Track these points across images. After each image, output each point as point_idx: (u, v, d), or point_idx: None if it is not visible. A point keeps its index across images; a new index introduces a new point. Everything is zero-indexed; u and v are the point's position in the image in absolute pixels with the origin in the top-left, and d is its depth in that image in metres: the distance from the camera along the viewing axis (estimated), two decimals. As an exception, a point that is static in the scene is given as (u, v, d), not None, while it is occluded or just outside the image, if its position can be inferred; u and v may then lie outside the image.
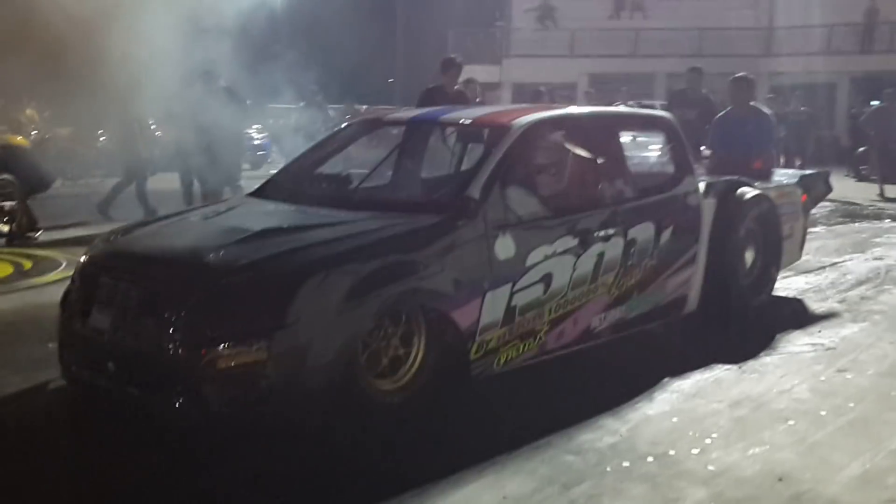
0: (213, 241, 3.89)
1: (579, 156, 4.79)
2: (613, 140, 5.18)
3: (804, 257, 7.69)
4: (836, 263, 7.87)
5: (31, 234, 9.00)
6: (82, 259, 4.30)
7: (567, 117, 5.09)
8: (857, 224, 10.72)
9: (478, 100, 10.39)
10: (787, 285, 6.76)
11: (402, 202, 4.59)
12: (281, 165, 17.10)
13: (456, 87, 9.09)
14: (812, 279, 7.15)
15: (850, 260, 8.06)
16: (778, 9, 25.83)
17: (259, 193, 4.94)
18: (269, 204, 4.67)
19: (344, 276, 3.69)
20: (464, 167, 5.13)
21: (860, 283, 7.01)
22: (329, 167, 5.16)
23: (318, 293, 3.58)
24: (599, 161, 4.86)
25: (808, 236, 8.93)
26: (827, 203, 11.94)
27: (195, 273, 3.66)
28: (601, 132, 5.10)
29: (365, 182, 4.95)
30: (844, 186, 14.30)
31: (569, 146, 4.82)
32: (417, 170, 5.31)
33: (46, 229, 9.23)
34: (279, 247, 3.77)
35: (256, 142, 19.19)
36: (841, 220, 11.02)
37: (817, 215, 11.01)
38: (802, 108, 15.33)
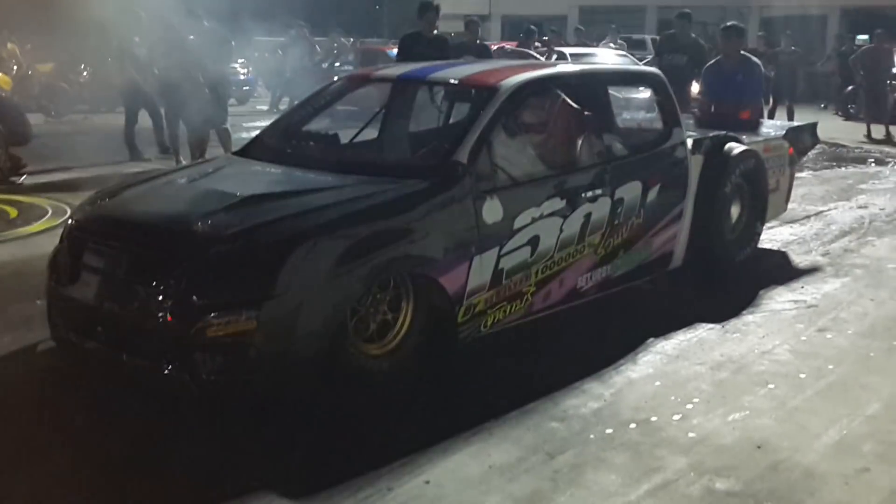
0: (200, 208, 3.88)
1: (567, 116, 4.76)
2: (602, 98, 5.16)
3: (790, 206, 7.76)
4: (821, 212, 7.94)
5: (15, 179, 8.92)
6: (69, 221, 4.29)
7: (556, 76, 5.04)
8: (842, 169, 10.75)
9: (478, 41, 10.29)
10: (772, 236, 6.83)
11: (390, 166, 4.57)
12: (266, 100, 17.00)
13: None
14: (797, 230, 7.21)
15: (834, 209, 8.12)
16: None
17: (246, 153, 4.90)
18: (256, 165, 4.64)
19: (333, 243, 3.70)
20: (452, 129, 5.09)
21: (844, 233, 7.08)
22: (316, 125, 5.11)
23: (307, 262, 3.60)
24: (588, 121, 4.83)
25: (795, 182, 9.01)
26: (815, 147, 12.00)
27: (184, 241, 3.67)
28: (590, 91, 5.07)
29: (353, 142, 4.91)
30: (832, 126, 14.32)
31: (558, 106, 4.78)
32: (405, 130, 5.28)
33: (30, 173, 9.15)
34: (267, 214, 3.77)
35: (241, 77, 18.91)
36: (827, 163, 11.05)
37: (804, 159, 11.04)
38: (793, 48, 15.18)
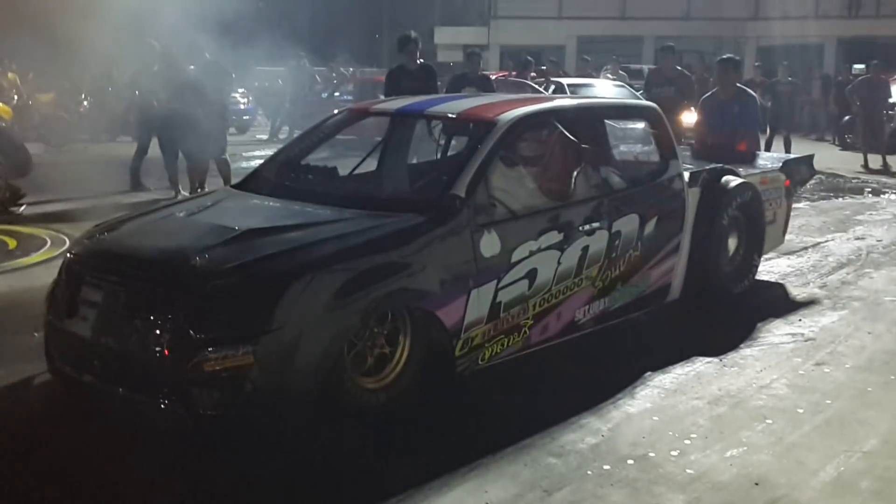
0: (198, 242, 3.88)
1: (565, 150, 4.79)
2: (599, 131, 5.21)
3: (788, 237, 7.77)
4: (818, 244, 7.95)
5: (14, 209, 8.94)
6: (67, 255, 4.29)
7: (553, 110, 5.08)
8: (840, 199, 10.79)
9: (480, 73, 10.40)
10: (769, 268, 6.83)
11: (388, 199, 4.59)
12: (265, 129, 17.07)
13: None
14: (794, 261, 7.22)
15: (832, 240, 8.14)
16: (767, -28, 25.69)
17: (244, 186, 4.92)
18: (255, 198, 4.66)
19: (330, 278, 3.71)
20: (449, 162, 5.12)
21: (841, 265, 7.09)
22: (315, 158, 5.13)
23: (303, 296, 3.60)
24: (585, 154, 4.86)
25: (792, 213, 9.03)
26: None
27: (181, 276, 3.67)
28: (586, 124, 5.12)
29: (351, 175, 4.94)
30: (829, 156, 14.40)
31: (555, 139, 4.81)
32: (403, 164, 5.31)
33: (30, 204, 9.16)
34: (264, 249, 3.78)
35: (241, 106, 19.03)
36: (824, 194, 11.08)
37: (802, 190, 11.09)
38: (790, 78, 15.31)
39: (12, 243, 7.60)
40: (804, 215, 9.34)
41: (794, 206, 9.66)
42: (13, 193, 9.08)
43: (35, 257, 7.10)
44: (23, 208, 9.01)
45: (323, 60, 22.23)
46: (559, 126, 4.81)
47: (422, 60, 9.37)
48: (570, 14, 27.12)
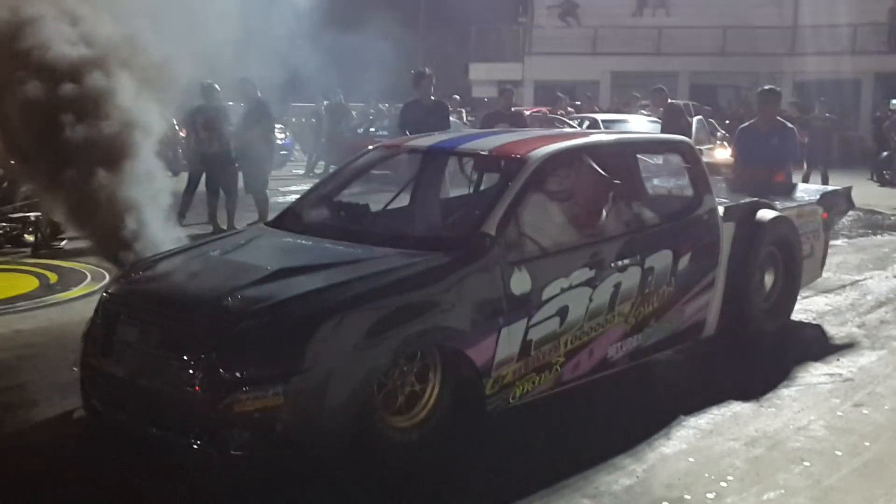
0: (230, 282, 3.93)
1: (596, 186, 4.79)
2: (631, 166, 5.18)
3: (825, 274, 7.66)
4: (856, 282, 7.83)
5: (55, 244, 9.11)
6: (104, 294, 4.36)
7: (584, 146, 5.07)
8: (878, 237, 10.63)
9: (513, 109, 10.53)
10: (806, 306, 6.74)
11: (419, 238, 4.61)
12: (302, 164, 17.28)
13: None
14: (832, 299, 7.11)
15: (870, 278, 8.01)
16: (802, 7, 25.58)
17: (277, 223, 4.98)
18: (287, 237, 4.70)
19: (360, 318, 3.72)
20: (480, 200, 5.14)
21: (880, 304, 6.97)
22: (347, 195, 5.18)
23: (333, 336, 3.62)
24: (617, 190, 4.85)
25: (830, 250, 8.90)
26: (850, 211, 11.90)
27: (213, 317, 3.71)
28: (619, 159, 5.10)
29: (382, 213, 4.98)
30: (867, 192, 14.19)
31: (587, 176, 4.81)
32: (434, 201, 5.34)
33: (71, 239, 9.32)
34: (295, 289, 3.80)
35: (278, 141, 19.28)
36: (863, 231, 10.94)
37: (839, 226, 10.96)
38: (827, 115, 15.18)
39: (53, 277, 7.74)
40: (842, 252, 9.21)
41: (832, 243, 9.58)
42: (54, 229, 9.25)
43: (75, 291, 7.21)
44: (63, 243, 9.17)
45: (359, 96, 22.48)
46: (590, 162, 4.81)
47: (434, 98, 9.62)
48: (605, 50, 27.19)
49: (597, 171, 4.79)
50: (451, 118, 17.50)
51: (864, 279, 7.95)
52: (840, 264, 8.52)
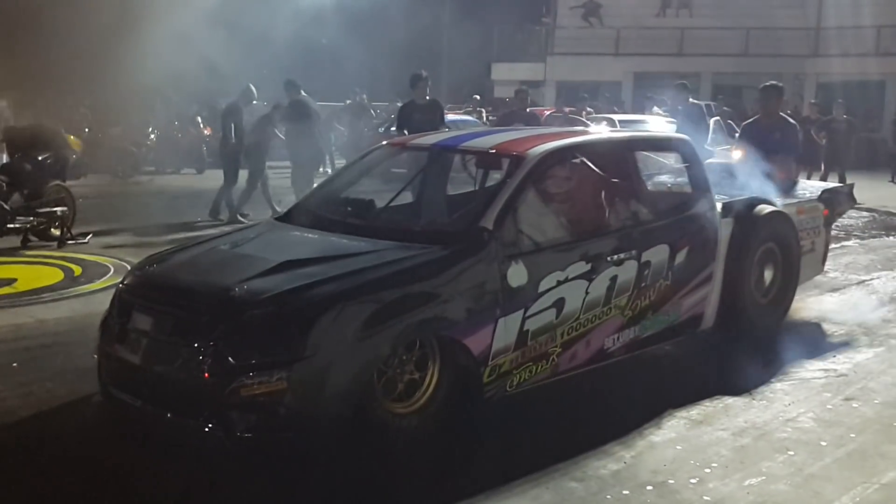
0: (238, 274, 4.13)
1: (593, 183, 4.94)
2: (630, 164, 5.32)
3: (832, 274, 7.78)
4: (863, 281, 7.90)
5: (80, 238, 9.39)
6: (119, 285, 4.58)
7: (582, 144, 5.23)
8: (891, 238, 10.66)
9: (528, 110, 10.77)
10: (809, 304, 6.84)
11: (420, 231, 4.79)
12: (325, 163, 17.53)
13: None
14: (836, 298, 7.21)
15: (877, 278, 8.07)
16: (826, 9, 25.47)
17: (286, 218, 5.19)
18: (295, 231, 4.91)
19: (360, 308, 3.91)
20: (479, 195, 5.31)
21: (883, 304, 7.05)
22: (353, 191, 5.38)
23: (335, 325, 3.81)
24: (614, 186, 5.00)
25: (840, 250, 9.01)
26: (865, 213, 11.97)
27: (222, 306, 3.91)
28: (617, 157, 5.26)
29: (387, 207, 5.17)
30: (886, 194, 14.21)
31: (583, 173, 4.97)
32: (436, 196, 5.51)
33: (95, 234, 9.61)
34: (299, 280, 3.99)
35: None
36: (876, 232, 10.98)
37: (852, 227, 11.04)
38: (844, 116, 15.18)
39: (77, 270, 8.00)
40: (852, 253, 9.28)
41: (844, 243, 9.67)
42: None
43: (98, 284, 7.46)
44: (89, 237, 9.45)
45: (383, 96, 22.73)
46: (587, 159, 4.97)
47: (429, 97, 10.11)
48: (627, 50, 27.23)
49: (593, 168, 4.95)
50: (470, 117, 17.82)
51: (871, 279, 8.02)
52: (849, 264, 8.60)
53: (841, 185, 7.28)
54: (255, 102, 11.84)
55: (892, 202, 13.48)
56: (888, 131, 18.64)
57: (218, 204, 11.21)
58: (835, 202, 6.79)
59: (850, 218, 11.84)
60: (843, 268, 8.26)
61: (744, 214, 5.74)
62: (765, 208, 5.87)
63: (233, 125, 11.24)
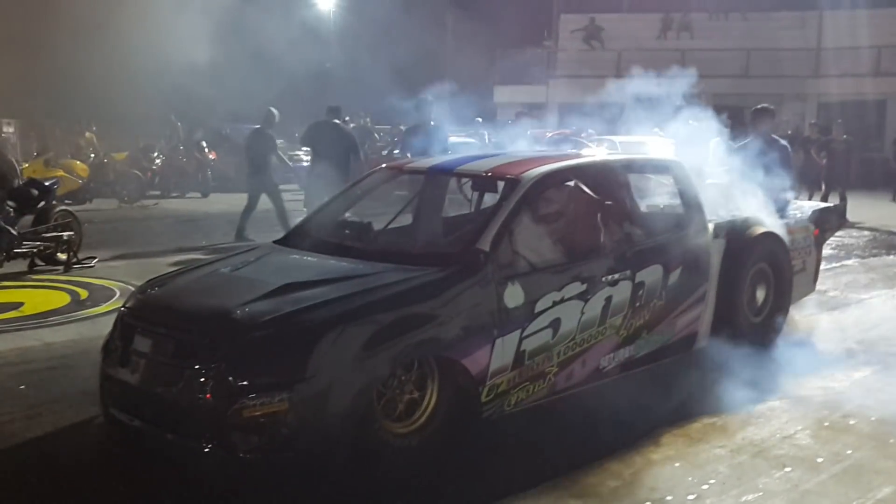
0: (239, 297, 4.20)
1: (587, 205, 5.02)
2: (623, 186, 5.40)
3: (832, 293, 7.83)
4: (862, 300, 7.95)
5: (86, 262, 9.48)
6: (121, 308, 4.65)
7: (576, 167, 5.31)
8: (891, 257, 10.71)
9: (528, 132, 10.89)
10: (810, 323, 6.88)
11: (418, 254, 4.87)
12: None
13: None
14: (836, 316, 7.26)
15: (877, 297, 8.13)
16: (826, 30, 25.63)
17: (286, 241, 5.27)
18: (294, 254, 4.98)
19: (360, 329, 3.97)
20: (475, 218, 5.39)
21: (882, 322, 7.09)
22: (351, 214, 5.46)
23: (335, 347, 3.88)
24: (608, 208, 5.08)
25: (840, 269, 9.06)
26: (866, 232, 12.03)
27: (224, 328, 3.98)
28: (610, 179, 5.34)
29: (384, 230, 5.24)
30: (887, 213, 14.26)
31: (578, 195, 5.05)
32: (433, 219, 5.60)
33: (102, 260, 9.71)
34: (299, 303, 4.06)
35: (304, 163, 19.70)
36: (876, 251, 11.03)
37: (853, 246, 11.10)
38: (845, 136, 15.27)
39: (84, 294, 8.09)
40: (852, 272, 9.33)
41: (844, 262, 9.73)
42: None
43: (104, 307, 7.55)
44: (95, 261, 9.55)
45: (387, 119, 22.92)
46: (582, 182, 5.05)
47: (433, 122, 10.31)
48: (629, 73, 27.36)
49: (588, 190, 5.03)
50: (472, 140, 17.91)
51: (871, 298, 8.08)
52: (849, 283, 8.65)
53: (832, 204, 7.35)
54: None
55: (892, 221, 13.55)
56: (889, 151, 18.70)
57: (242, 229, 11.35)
58: (825, 222, 6.87)
59: (850, 237, 11.94)
60: (842, 286, 8.31)
61: (736, 235, 5.82)
62: (757, 229, 5.95)
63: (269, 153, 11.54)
